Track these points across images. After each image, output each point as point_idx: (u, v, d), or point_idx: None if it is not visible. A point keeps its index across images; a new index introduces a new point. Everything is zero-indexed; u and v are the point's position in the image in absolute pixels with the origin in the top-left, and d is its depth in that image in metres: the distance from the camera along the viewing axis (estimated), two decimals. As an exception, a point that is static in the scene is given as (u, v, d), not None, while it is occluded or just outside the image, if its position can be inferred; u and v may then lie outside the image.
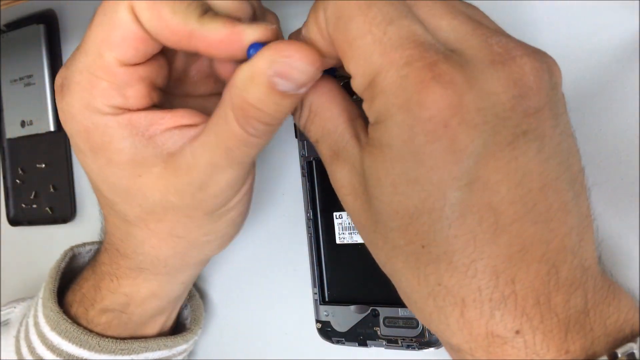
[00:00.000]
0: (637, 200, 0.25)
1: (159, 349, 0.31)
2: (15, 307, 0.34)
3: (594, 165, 0.25)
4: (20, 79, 0.41)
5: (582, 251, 0.18)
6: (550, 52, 0.26)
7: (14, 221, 0.43)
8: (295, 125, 0.31)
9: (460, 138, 0.16)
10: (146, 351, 0.30)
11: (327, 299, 0.31)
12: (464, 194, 0.17)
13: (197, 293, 0.35)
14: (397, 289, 0.21)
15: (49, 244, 0.42)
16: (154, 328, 0.31)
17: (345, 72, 0.21)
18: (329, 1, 0.18)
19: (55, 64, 0.40)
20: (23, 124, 0.41)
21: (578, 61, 0.26)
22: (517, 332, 0.17)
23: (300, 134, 0.31)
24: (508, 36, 0.18)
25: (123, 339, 0.29)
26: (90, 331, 0.28)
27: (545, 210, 0.17)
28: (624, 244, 0.25)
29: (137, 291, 0.28)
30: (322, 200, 0.30)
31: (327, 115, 0.21)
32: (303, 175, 0.31)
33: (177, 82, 0.25)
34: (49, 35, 0.40)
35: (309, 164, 0.30)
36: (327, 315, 0.30)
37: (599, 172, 0.25)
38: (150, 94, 0.23)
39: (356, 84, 0.19)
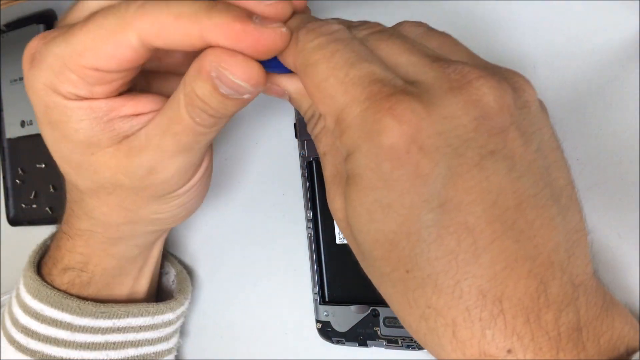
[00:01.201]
0: (637, 200, 0.25)
1: (141, 315, 0.31)
2: (13, 292, 0.35)
3: (594, 165, 0.25)
4: (20, 79, 0.41)
5: (572, 267, 0.18)
6: (550, 52, 0.26)
7: (14, 221, 0.43)
8: (295, 125, 0.31)
9: (423, 162, 0.17)
10: (127, 316, 0.30)
11: (327, 299, 0.31)
12: (437, 215, 0.17)
13: (184, 268, 0.35)
14: (393, 312, 0.21)
15: (49, 244, 0.43)
16: (121, 290, 0.31)
17: None
18: (300, 50, 0.20)
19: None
20: (23, 124, 0.41)
21: (578, 61, 0.26)
22: (509, 351, 0.17)
23: (300, 134, 0.31)
24: (471, 63, 0.19)
25: (102, 301, 0.30)
26: (69, 294, 0.29)
27: (526, 227, 0.17)
28: (624, 244, 0.25)
29: (92, 251, 0.29)
30: (322, 200, 0.30)
31: None
32: (303, 175, 0.31)
33: (154, 61, 0.25)
34: (49, 35, 0.40)
35: (309, 164, 0.30)
36: (327, 315, 0.30)
37: (599, 172, 0.25)
38: (118, 89, 0.23)
39: (327, 123, 0.20)
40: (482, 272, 0.17)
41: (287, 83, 0.23)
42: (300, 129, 0.31)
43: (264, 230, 0.34)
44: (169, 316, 0.32)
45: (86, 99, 0.22)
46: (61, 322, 0.29)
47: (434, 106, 0.17)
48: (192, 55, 0.21)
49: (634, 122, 0.25)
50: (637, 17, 0.24)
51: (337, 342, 0.30)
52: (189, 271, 0.36)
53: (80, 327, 0.29)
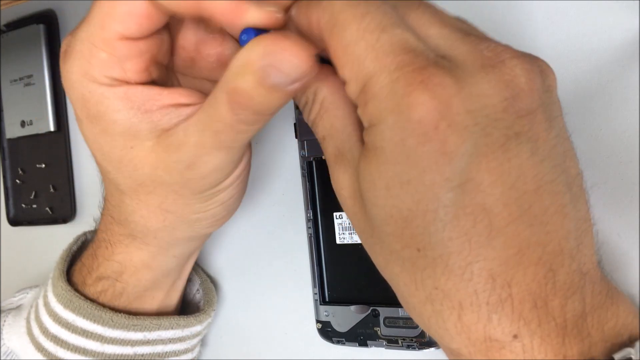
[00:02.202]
0: (637, 200, 0.25)
1: (172, 328, 0.30)
2: (27, 293, 0.35)
3: (594, 166, 0.25)
4: (20, 79, 0.41)
5: (580, 255, 0.18)
6: (550, 52, 0.26)
7: (14, 221, 0.43)
8: (295, 125, 0.31)
9: (451, 140, 0.17)
10: (159, 329, 0.30)
11: (327, 299, 0.31)
12: (457, 195, 0.17)
13: (208, 277, 0.35)
14: (396, 294, 0.21)
15: (49, 244, 0.42)
16: (152, 304, 0.31)
17: None
18: (326, 7, 0.18)
19: (55, 64, 0.40)
20: (23, 124, 0.41)
21: (578, 61, 0.26)
22: (515, 336, 0.17)
23: (300, 134, 0.31)
24: (498, 42, 0.19)
25: (133, 313, 0.29)
26: (103, 306, 0.29)
27: (541, 213, 0.17)
28: (623, 244, 0.25)
29: (130, 259, 0.28)
30: (322, 200, 0.30)
31: (338, 113, 0.21)
32: (303, 175, 0.31)
33: (187, 64, 0.25)
34: (49, 35, 0.40)
35: (309, 164, 0.30)
36: (327, 316, 0.30)
37: (598, 173, 0.25)
38: (149, 68, 0.23)
39: (350, 89, 0.19)
40: (494, 255, 0.17)
41: None
42: (300, 129, 0.31)
43: (264, 230, 0.34)
44: (197, 328, 0.32)
45: (121, 82, 0.22)
46: (92, 333, 0.29)
47: (466, 83, 0.17)
48: (226, 59, 0.21)
49: (634, 122, 0.25)
50: (637, 17, 0.24)
51: (338, 342, 0.30)
52: (212, 280, 0.36)
53: (111, 338, 0.29)
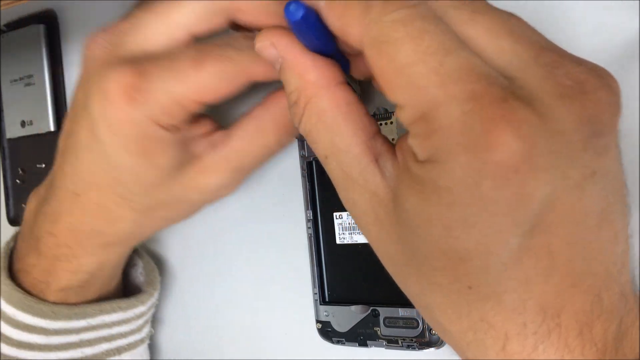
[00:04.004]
0: (637, 200, 0.25)
1: (114, 311, 0.31)
2: None
3: (594, 166, 0.25)
4: (20, 79, 0.41)
5: (622, 277, 0.18)
6: (550, 52, 0.26)
7: (14, 221, 0.43)
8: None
9: (530, 184, 0.15)
10: (101, 314, 0.30)
11: (327, 299, 0.31)
12: (525, 239, 0.16)
13: (150, 259, 0.36)
14: (428, 318, 0.20)
15: (49, 244, 0.42)
16: (94, 293, 0.31)
17: (359, 76, 0.20)
18: (373, 22, 0.16)
19: (55, 64, 0.40)
20: (23, 124, 0.41)
21: (578, 61, 0.26)
22: None
23: (300, 134, 0.31)
24: (573, 62, 0.17)
25: (75, 303, 0.30)
26: (44, 300, 0.29)
27: (597, 246, 0.17)
28: (624, 244, 0.25)
29: (102, 267, 0.30)
30: (322, 200, 0.30)
31: (341, 131, 0.19)
32: (303, 175, 0.31)
33: None
34: (49, 35, 0.40)
35: (309, 164, 0.30)
36: (327, 316, 0.30)
37: (599, 172, 0.25)
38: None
39: (404, 115, 0.17)
40: (549, 289, 0.16)
41: (286, 45, 0.19)
42: (300, 129, 0.31)
43: (264, 230, 0.34)
44: (140, 309, 0.33)
45: (178, 128, 0.24)
46: (35, 327, 0.29)
47: (547, 118, 0.15)
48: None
49: (634, 122, 0.25)
50: (637, 17, 0.24)
51: (337, 342, 0.30)
52: (156, 261, 0.36)
53: (54, 330, 0.29)
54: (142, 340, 0.35)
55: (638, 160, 0.25)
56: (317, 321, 0.31)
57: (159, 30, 0.24)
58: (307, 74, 0.19)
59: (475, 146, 0.15)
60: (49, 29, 0.40)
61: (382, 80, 0.17)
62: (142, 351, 0.35)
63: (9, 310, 0.29)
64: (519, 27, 0.17)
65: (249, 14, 0.23)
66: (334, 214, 0.30)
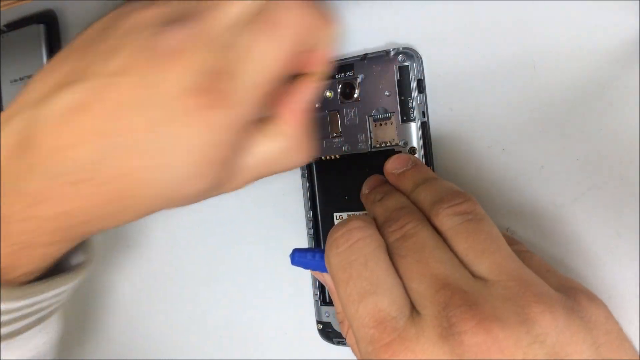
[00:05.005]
0: (637, 200, 0.25)
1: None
2: None
3: (594, 165, 0.25)
4: (21, 79, 0.41)
5: None
6: (550, 52, 0.26)
7: (14, 221, 0.43)
8: (295, 126, 0.31)
9: None
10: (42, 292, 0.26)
11: (327, 300, 0.31)
12: None
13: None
14: None
15: (50, 244, 0.42)
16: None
17: None
18: (328, 256, 0.22)
19: (55, 64, 0.40)
20: (23, 124, 0.41)
21: (578, 61, 0.26)
22: None
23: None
24: (507, 282, 0.19)
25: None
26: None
27: None
28: (623, 244, 0.25)
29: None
30: (322, 200, 0.30)
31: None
32: (303, 175, 0.31)
33: None
34: (49, 35, 0.40)
35: (309, 164, 0.30)
36: (327, 316, 0.30)
37: (599, 172, 0.25)
38: None
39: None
40: None
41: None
42: (300, 129, 0.31)
43: (264, 231, 0.34)
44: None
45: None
46: None
47: (423, 353, 0.18)
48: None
49: (634, 122, 0.25)
50: (637, 17, 0.24)
51: (338, 343, 0.30)
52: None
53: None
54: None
55: (638, 160, 0.25)
56: (318, 322, 0.31)
57: None
58: None
59: None
60: (49, 29, 0.40)
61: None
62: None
63: None
64: (435, 261, 0.20)
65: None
66: (334, 214, 0.30)
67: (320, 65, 0.24)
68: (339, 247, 0.21)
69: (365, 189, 0.27)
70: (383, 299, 0.19)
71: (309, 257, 0.24)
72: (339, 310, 0.25)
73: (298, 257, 0.24)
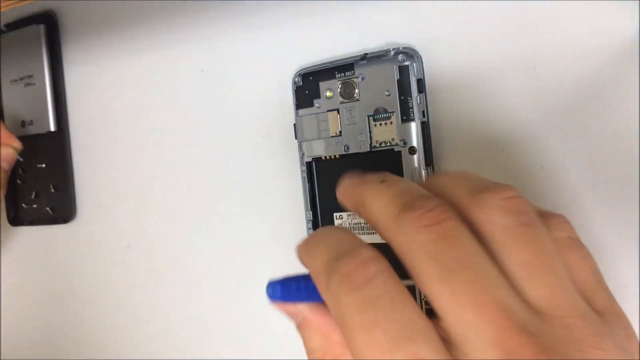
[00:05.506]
0: (637, 200, 0.25)
1: None
2: None
3: (594, 166, 0.25)
4: (21, 79, 0.41)
5: None
6: (550, 52, 0.26)
7: (14, 221, 0.43)
8: (295, 126, 0.31)
9: None
10: None
11: (327, 299, 0.30)
12: None
13: None
14: None
15: (49, 244, 0.42)
16: None
17: None
18: (332, 299, 0.17)
19: (55, 64, 0.40)
20: (23, 124, 0.41)
21: (578, 61, 0.26)
22: None
23: (299, 135, 0.31)
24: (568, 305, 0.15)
25: None
26: None
27: None
28: (623, 243, 0.25)
29: None
30: (322, 200, 0.30)
31: None
32: (303, 175, 0.31)
33: None
34: (49, 35, 0.40)
35: (309, 164, 0.30)
36: (327, 316, 0.30)
37: (599, 172, 0.25)
38: None
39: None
40: None
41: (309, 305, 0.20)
42: (300, 129, 0.31)
43: (264, 231, 0.34)
44: None
45: None
46: None
47: None
48: None
49: (634, 122, 0.25)
50: (637, 17, 0.24)
51: (337, 342, 0.30)
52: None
53: None
54: None
55: (638, 160, 0.25)
56: (317, 321, 0.31)
57: None
58: (333, 334, 0.19)
59: None
60: (49, 29, 0.41)
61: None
62: None
63: None
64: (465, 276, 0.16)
65: None
66: (334, 214, 0.30)
67: None
68: (351, 284, 0.16)
69: (347, 181, 0.20)
70: (423, 347, 0.15)
71: (293, 288, 0.20)
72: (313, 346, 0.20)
73: (282, 289, 0.20)
